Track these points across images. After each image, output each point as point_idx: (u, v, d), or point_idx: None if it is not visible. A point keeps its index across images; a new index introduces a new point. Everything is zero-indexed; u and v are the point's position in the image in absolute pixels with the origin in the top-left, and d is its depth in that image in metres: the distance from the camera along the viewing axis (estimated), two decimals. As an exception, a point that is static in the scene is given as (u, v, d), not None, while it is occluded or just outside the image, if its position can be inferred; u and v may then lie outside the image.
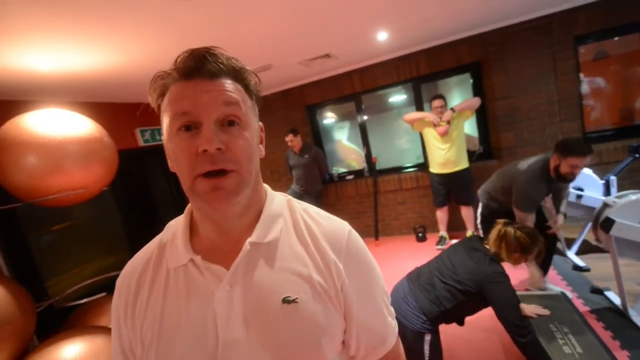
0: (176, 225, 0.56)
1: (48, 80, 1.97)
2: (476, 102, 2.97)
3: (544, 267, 2.22)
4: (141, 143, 3.19)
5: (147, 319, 0.49)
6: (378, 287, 0.57)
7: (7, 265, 1.40)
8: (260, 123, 0.55)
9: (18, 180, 1.33)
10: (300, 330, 0.47)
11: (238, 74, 0.49)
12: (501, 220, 1.55)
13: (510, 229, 1.46)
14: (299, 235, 0.53)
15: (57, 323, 1.63)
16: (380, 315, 0.57)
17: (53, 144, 1.35)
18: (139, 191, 3.25)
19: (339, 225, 0.56)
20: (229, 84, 0.47)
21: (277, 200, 0.57)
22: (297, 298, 0.47)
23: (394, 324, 0.60)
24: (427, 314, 1.38)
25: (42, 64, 1.71)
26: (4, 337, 1.13)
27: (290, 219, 0.55)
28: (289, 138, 3.45)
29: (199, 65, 0.45)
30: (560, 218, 2.17)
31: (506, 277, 1.37)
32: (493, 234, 1.50)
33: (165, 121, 0.47)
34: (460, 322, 1.52)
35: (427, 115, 3.07)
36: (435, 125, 3.01)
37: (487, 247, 1.50)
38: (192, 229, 0.54)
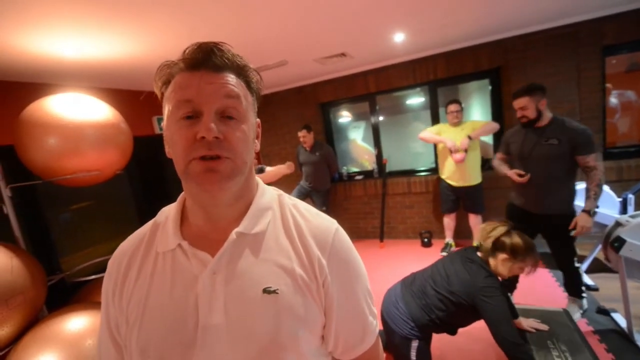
0: (169, 211, 0.58)
1: (72, 66, 2.06)
2: (494, 128, 2.90)
3: (573, 285, 2.06)
4: (157, 131, 3.29)
5: (133, 299, 0.51)
6: (361, 286, 0.57)
7: (25, 238, 1.49)
8: (258, 119, 0.56)
9: (38, 159, 1.42)
10: (279, 321, 0.48)
11: (242, 71, 0.51)
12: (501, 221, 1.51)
13: (503, 228, 1.42)
14: (286, 230, 0.54)
15: (68, 297, 1.73)
16: (360, 314, 0.57)
17: (72, 126, 1.43)
18: (153, 177, 3.35)
19: (327, 223, 0.57)
20: (232, 79, 0.49)
21: (268, 194, 0.58)
22: (277, 289, 0.49)
23: (374, 324, 0.60)
24: (416, 321, 1.38)
25: (67, 50, 1.79)
26: (15, 305, 1.21)
27: (279, 213, 0.56)
28: (302, 133, 3.47)
29: (206, 58, 0.47)
30: (583, 218, 1.83)
31: (500, 292, 1.34)
32: (488, 226, 1.47)
33: (167, 108, 0.49)
34: (452, 332, 1.51)
35: (444, 140, 2.95)
36: (451, 152, 2.93)
37: (481, 255, 1.46)
38: (183, 216, 0.56)
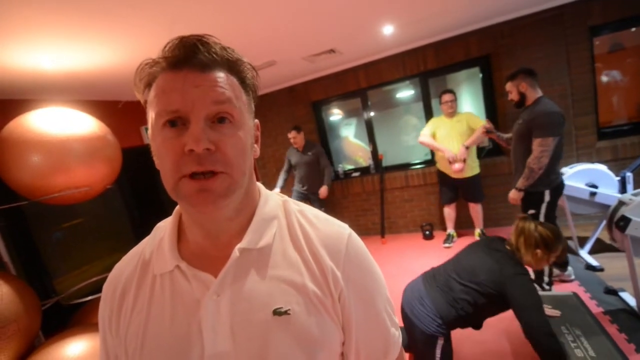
0: (164, 228, 0.53)
1: (52, 79, 1.98)
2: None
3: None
4: (146, 141, 3.20)
5: (131, 328, 0.46)
6: (380, 296, 0.53)
7: (14, 263, 1.41)
8: (256, 121, 0.50)
9: (22, 178, 1.34)
10: (293, 345, 0.43)
11: (233, 66, 0.44)
12: (520, 215, 1.49)
13: (530, 224, 1.39)
14: (294, 240, 0.49)
15: (65, 320, 1.65)
16: (381, 326, 0.53)
17: (56, 142, 1.36)
18: (146, 189, 3.27)
19: (338, 229, 0.52)
20: (222, 78, 0.42)
21: (272, 202, 0.53)
22: (289, 309, 0.44)
23: (397, 335, 0.56)
24: (444, 317, 1.34)
25: (45, 62, 1.72)
26: (8, 335, 1.14)
27: (285, 222, 0.51)
28: (292, 135, 3.37)
29: (189, 55, 0.41)
30: (511, 192, 2.11)
31: (530, 278, 1.30)
32: (512, 229, 1.44)
33: (151, 116, 0.43)
34: (478, 326, 1.46)
35: (442, 150, 2.93)
36: (450, 163, 2.92)
37: (509, 247, 1.42)
38: (180, 232, 0.51)
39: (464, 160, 2.86)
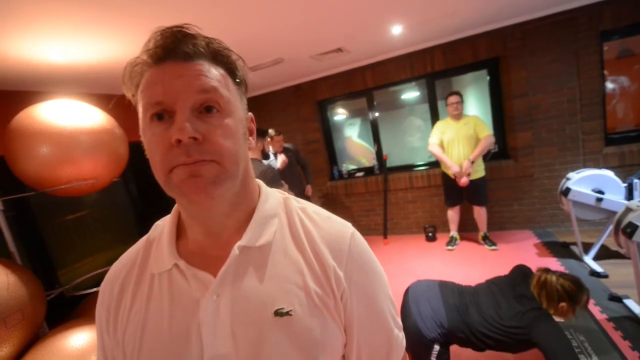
0: (163, 225, 0.51)
1: (61, 72, 1.99)
2: (491, 142, 2.91)
3: None
4: (153, 136, 3.21)
5: (129, 328, 0.45)
6: (383, 296, 0.51)
7: (20, 253, 1.42)
8: (250, 113, 0.49)
9: (30, 169, 1.35)
10: (295, 347, 0.42)
11: (218, 56, 0.43)
12: (541, 267, 1.44)
13: (551, 277, 1.35)
14: (295, 239, 0.48)
15: (68, 311, 1.66)
16: (385, 328, 0.51)
17: (64, 134, 1.36)
18: (151, 183, 3.28)
19: (341, 228, 0.50)
20: (205, 67, 0.41)
21: (272, 199, 0.51)
22: (291, 310, 0.43)
23: (400, 337, 0.54)
24: (449, 330, 1.32)
25: (55, 55, 1.72)
26: (14, 324, 1.15)
27: (285, 220, 0.50)
28: (279, 138, 3.04)
29: (171, 47, 0.40)
30: None
31: (562, 332, 1.25)
32: (533, 280, 1.39)
33: (140, 111, 0.42)
34: (481, 350, 1.41)
35: (449, 164, 2.94)
36: (455, 177, 2.94)
37: (534, 295, 1.36)
38: (179, 230, 0.50)
39: (468, 175, 2.88)
